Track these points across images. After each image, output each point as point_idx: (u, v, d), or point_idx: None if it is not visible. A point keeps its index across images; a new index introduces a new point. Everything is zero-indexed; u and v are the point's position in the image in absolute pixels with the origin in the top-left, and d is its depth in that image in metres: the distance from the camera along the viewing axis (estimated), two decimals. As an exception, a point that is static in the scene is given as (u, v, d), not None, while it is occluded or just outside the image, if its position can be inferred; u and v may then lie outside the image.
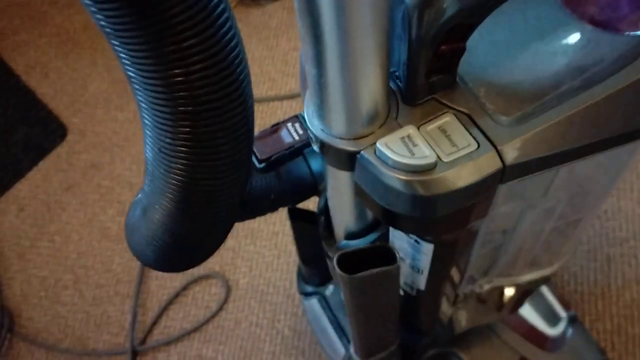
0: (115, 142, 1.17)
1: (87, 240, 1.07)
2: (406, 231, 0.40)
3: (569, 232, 0.50)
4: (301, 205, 0.57)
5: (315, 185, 0.50)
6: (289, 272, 0.97)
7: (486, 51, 0.37)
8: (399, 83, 0.35)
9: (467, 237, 0.43)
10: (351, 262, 0.41)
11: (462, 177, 0.33)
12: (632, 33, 0.35)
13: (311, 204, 0.54)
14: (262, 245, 1.00)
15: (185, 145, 0.27)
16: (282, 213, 1.03)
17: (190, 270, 0.99)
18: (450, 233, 0.40)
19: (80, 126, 1.20)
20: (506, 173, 0.34)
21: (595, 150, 0.35)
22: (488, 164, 0.33)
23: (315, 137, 0.36)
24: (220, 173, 0.30)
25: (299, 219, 0.58)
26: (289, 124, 0.48)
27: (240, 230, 1.02)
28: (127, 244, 0.38)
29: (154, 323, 0.97)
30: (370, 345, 0.55)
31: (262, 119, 1.10)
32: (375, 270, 0.39)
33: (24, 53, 1.32)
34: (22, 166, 1.16)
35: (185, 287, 0.99)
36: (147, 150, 0.29)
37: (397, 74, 0.35)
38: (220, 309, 0.96)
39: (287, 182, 0.48)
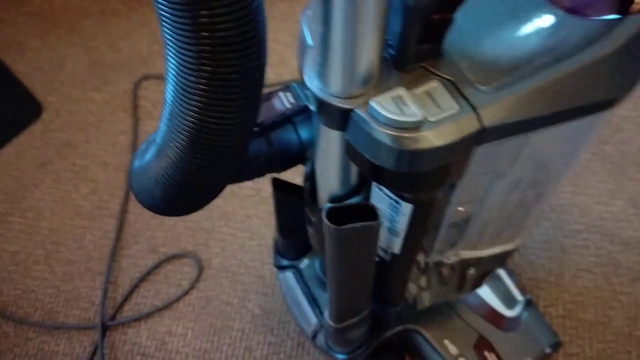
0: (90, 122, 1.18)
1: (59, 217, 1.07)
2: (390, 187, 0.44)
3: (531, 206, 0.54)
4: (284, 177, 0.60)
5: (302, 153, 0.53)
6: (260, 253, 0.99)
7: (470, 28, 0.41)
8: (392, 51, 0.39)
9: (443, 201, 0.47)
10: (337, 218, 0.45)
11: (445, 135, 0.37)
12: (595, 18, 0.40)
13: (295, 177, 0.57)
14: (236, 227, 1.03)
15: (204, 83, 0.30)
16: (257, 198, 1.06)
17: (163, 249, 1.01)
18: (428, 192, 0.44)
19: (56, 105, 1.20)
20: (483, 135, 0.38)
21: (561, 119, 0.40)
22: (468, 125, 0.37)
23: (314, 95, 0.39)
24: (231, 114, 0.33)
25: (282, 189, 0.61)
26: (281, 93, 0.52)
27: (215, 212, 1.04)
28: (131, 189, 0.41)
29: (125, 300, 0.98)
30: (345, 309, 0.58)
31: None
32: (359, 224, 0.43)
33: (1, 31, 1.31)
34: (-6, 142, 1.16)
35: (157, 266, 1.00)
36: (168, 92, 0.32)
37: (390, 42, 0.39)
38: (192, 287, 0.98)
39: (276, 147, 0.52)
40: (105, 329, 0.95)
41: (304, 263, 0.73)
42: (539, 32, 0.41)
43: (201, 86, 0.30)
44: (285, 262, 0.75)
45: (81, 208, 1.08)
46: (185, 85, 0.31)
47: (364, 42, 0.35)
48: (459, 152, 0.39)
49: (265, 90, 0.52)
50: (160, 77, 1.23)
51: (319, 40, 0.35)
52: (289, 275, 0.74)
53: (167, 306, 0.96)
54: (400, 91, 0.38)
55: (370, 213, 0.45)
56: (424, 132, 0.37)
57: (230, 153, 0.36)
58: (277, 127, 0.51)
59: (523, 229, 0.60)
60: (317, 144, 0.46)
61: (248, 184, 1.04)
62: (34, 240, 1.05)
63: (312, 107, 0.40)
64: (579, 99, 0.39)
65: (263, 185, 1.07)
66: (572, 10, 0.41)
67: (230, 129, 0.33)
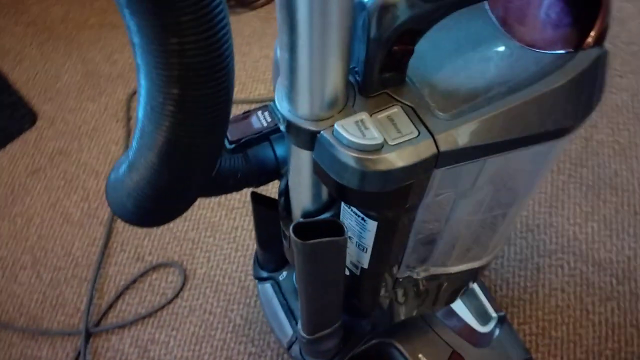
0: (84, 131, 1.20)
1: (48, 224, 1.09)
2: (354, 205, 0.46)
3: (496, 226, 0.57)
4: (263, 192, 0.62)
5: (278, 169, 0.55)
6: (245, 265, 1.01)
7: (432, 57, 0.44)
8: (357, 77, 0.42)
9: (407, 219, 0.49)
10: (306, 233, 0.47)
11: (404, 158, 0.39)
12: (550, 52, 0.42)
13: (272, 192, 0.60)
14: (222, 238, 1.05)
15: (173, 105, 0.33)
16: (243, 210, 1.08)
17: (149, 258, 1.03)
18: (390, 210, 0.46)
19: (50, 114, 1.23)
20: (440, 158, 0.40)
21: (516, 146, 0.42)
22: (426, 149, 0.40)
23: (283, 117, 0.42)
24: (200, 133, 0.35)
25: (260, 202, 0.63)
26: (259, 112, 0.54)
27: (201, 222, 1.06)
28: (107, 200, 0.43)
29: (110, 307, 1.00)
30: (317, 321, 0.60)
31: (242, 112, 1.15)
32: (325, 239, 0.46)
33: (-1, 38, 1.34)
34: (-13, 148, 1.18)
35: (142, 274, 1.02)
36: (140, 110, 0.34)
37: (356, 69, 0.42)
38: (176, 296, 0.99)
39: (253, 163, 0.54)
40: (89, 335, 0.97)
41: (282, 275, 0.75)
42: (497, 63, 0.43)
43: (170, 107, 0.33)
44: (264, 274, 0.77)
45: (71, 215, 1.10)
46: (155, 106, 0.33)
47: (329, 69, 0.38)
48: (418, 174, 0.41)
49: (247, 108, 0.54)
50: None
51: (286, 66, 0.38)
52: (268, 286, 0.76)
53: (151, 314, 0.98)
54: (364, 116, 0.40)
55: (337, 229, 0.47)
56: (384, 155, 0.39)
57: (199, 170, 0.38)
58: (253, 144, 0.53)
59: (491, 248, 0.62)
60: (289, 161, 0.48)
61: (235, 195, 1.06)
62: (22, 245, 1.07)
63: (282, 128, 0.43)
64: (532, 127, 0.42)
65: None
66: (530, 44, 0.44)
67: (198, 149, 0.36)
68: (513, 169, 0.48)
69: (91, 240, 1.07)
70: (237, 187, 0.55)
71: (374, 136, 0.39)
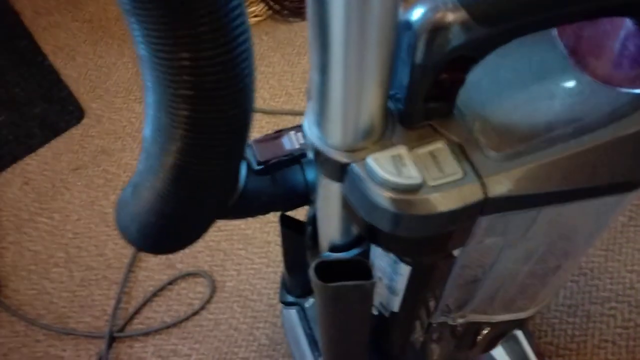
0: (128, 131, 1.19)
1: (85, 222, 1.08)
2: (385, 249, 0.41)
3: (547, 278, 0.50)
4: (294, 215, 0.58)
5: (307, 195, 0.51)
6: (275, 282, 0.97)
7: (488, 87, 0.39)
8: (399, 105, 0.37)
9: (445, 264, 0.44)
10: (330, 272, 0.42)
11: (444, 202, 0.34)
12: (628, 90, 0.36)
13: (303, 215, 0.55)
14: (254, 251, 1.01)
15: (183, 128, 0.29)
16: (278, 224, 1.04)
17: (179, 266, 1.01)
18: (427, 257, 0.41)
19: (97, 111, 1.23)
20: (487, 205, 0.35)
21: (577, 198, 0.36)
22: (471, 193, 0.34)
23: (311, 144, 0.37)
24: (213, 160, 0.31)
25: (289, 226, 0.59)
26: (292, 132, 0.50)
27: (235, 233, 1.03)
28: (115, 219, 0.40)
29: (136, 312, 0.98)
30: (339, 361, 0.55)
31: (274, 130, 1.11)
32: (349, 283, 0.41)
33: (55, 34, 1.35)
34: (34, 141, 1.19)
35: (171, 282, 1.00)
36: (147, 129, 0.31)
37: (397, 96, 0.37)
38: (203, 307, 0.96)
39: (281, 187, 0.50)
40: (112, 340, 0.95)
41: (309, 302, 0.71)
42: (564, 99, 0.38)
43: (178, 130, 0.29)
44: (290, 299, 0.73)
45: (108, 215, 1.09)
46: (161, 127, 0.29)
47: (365, 95, 0.33)
48: (460, 220, 0.36)
49: (292, 120, 0.49)
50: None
51: (317, 89, 0.33)
52: (293, 312, 0.71)
53: (176, 324, 0.95)
54: (402, 150, 0.35)
55: (364, 271, 0.42)
56: (421, 197, 0.34)
57: (211, 199, 0.34)
58: (283, 167, 0.49)
59: (538, 300, 0.56)
60: (317, 190, 0.44)
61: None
62: (57, 242, 1.06)
63: (310, 155, 0.38)
64: (600, 177, 0.36)
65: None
66: (603, 78, 0.38)
67: (210, 176, 0.32)
68: (571, 221, 0.42)
69: (124, 243, 1.05)
70: (263, 211, 0.51)
71: (411, 174, 0.34)
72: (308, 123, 0.37)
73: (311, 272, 0.40)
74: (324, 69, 0.32)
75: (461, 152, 0.36)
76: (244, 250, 1.01)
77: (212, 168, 0.32)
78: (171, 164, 0.30)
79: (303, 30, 1.28)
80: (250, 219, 1.04)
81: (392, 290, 0.47)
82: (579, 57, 0.39)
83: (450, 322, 0.55)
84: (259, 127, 1.15)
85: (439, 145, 0.36)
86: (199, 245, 1.03)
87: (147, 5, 0.24)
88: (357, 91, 0.32)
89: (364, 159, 0.35)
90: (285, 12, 1.27)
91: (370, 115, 0.34)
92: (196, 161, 0.31)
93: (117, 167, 1.14)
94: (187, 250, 1.02)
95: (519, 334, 0.78)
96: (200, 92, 0.28)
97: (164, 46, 0.26)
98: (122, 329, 0.96)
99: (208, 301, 0.97)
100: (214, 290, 0.98)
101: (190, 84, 0.27)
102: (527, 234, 0.41)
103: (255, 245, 1.02)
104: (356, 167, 0.35)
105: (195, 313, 0.96)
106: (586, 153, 0.35)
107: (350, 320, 0.45)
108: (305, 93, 1.18)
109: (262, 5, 1.27)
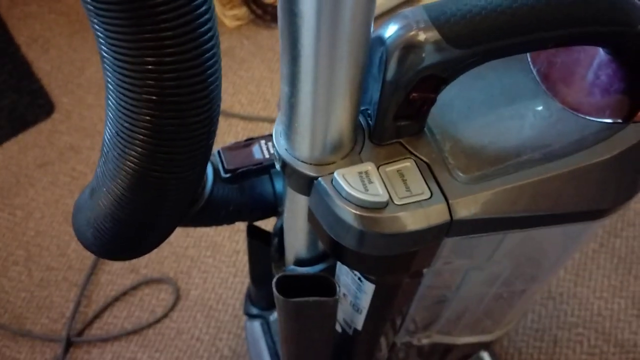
0: (99, 129, 1.17)
1: (48, 221, 1.05)
2: (349, 266, 0.40)
3: (512, 301, 0.50)
4: (263, 226, 0.57)
5: (275, 206, 0.50)
6: (241, 292, 0.96)
7: (460, 107, 0.38)
8: (369, 121, 0.36)
9: (410, 285, 0.43)
10: (293, 287, 0.41)
11: (410, 222, 0.34)
12: (596, 119, 0.36)
13: (270, 225, 0.54)
14: (222, 260, 0.99)
15: (144, 133, 0.28)
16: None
17: (143, 271, 0.99)
18: (391, 275, 0.40)
19: (68, 107, 1.20)
20: (453, 227, 0.34)
21: (543, 224, 0.36)
22: (437, 214, 0.34)
23: (279, 155, 0.36)
24: (174, 168, 0.30)
25: (256, 237, 0.58)
26: (263, 141, 0.49)
27: (203, 240, 1.01)
28: (72, 223, 0.38)
29: (96, 317, 0.95)
30: (299, 377, 0.54)
31: (249, 136, 1.10)
32: (311, 299, 0.40)
33: (30, 25, 1.32)
34: (1, 133, 1.15)
35: (134, 287, 0.97)
36: (106, 132, 0.30)
37: (369, 111, 0.36)
38: (165, 315, 0.94)
39: (248, 196, 0.49)
40: (69, 344, 0.92)
41: (273, 315, 0.69)
42: (534, 124, 0.37)
43: (139, 135, 0.28)
44: (255, 311, 0.71)
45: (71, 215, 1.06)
46: (121, 131, 0.28)
47: (334, 109, 0.32)
48: (425, 241, 0.35)
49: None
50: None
51: (285, 101, 0.33)
52: (256, 325, 0.70)
53: (136, 331, 0.93)
54: (369, 167, 0.34)
55: (328, 287, 0.41)
56: (387, 215, 0.33)
57: (170, 206, 0.33)
58: (251, 176, 0.48)
59: (504, 322, 0.55)
60: (284, 203, 0.43)
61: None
62: (18, 239, 1.03)
63: (277, 166, 0.38)
64: (565, 204, 0.36)
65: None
66: (574, 108, 0.37)
67: (170, 184, 0.31)
68: (538, 246, 0.41)
69: (88, 244, 1.02)
70: (229, 220, 0.50)
71: (377, 192, 0.33)
72: (276, 134, 0.36)
73: (273, 287, 0.39)
74: (293, 81, 0.31)
75: (429, 172, 0.35)
76: (212, 258, 1.00)
77: (172, 175, 0.30)
78: (131, 170, 0.29)
79: (283, 39, 1.27)
80: (219, 227, 1.03)
81: (356, 308, 0.46)
82: (550, 83, 0.39)
83: (416, 342, 0.55)
84: (235, 133, 1.14)
85: (407, 164, 0.35)
86: (165, 250, 1.01)
87: (112, 7, 0.23)
88: (326, 105, 0.32)
89: (331, 173, 0.34)
90: (268, 17, 1.26)
91: (339, 130, 0.34)
92: (156, 168, 0.29)
93: (85, 166, 1.12)
94: (152, 255, 1.00)
95: (485, 355, 0.77)
96: (163, 97, 0.27)
97: (128, 49, 0.25)
98: (80, 334, 0.93)
99: (171, 309, 0.95)
100: (177, 298, 0.96)
101: (153, 89, 0.26)
102: (493, 257, 0.41)
103: (224, 253, 1.00)
104: (323, 182, 0.35)
105: (157, 321, 0.94)
106: (552, 180, 0.35)
107: (312, 337, 0.44)
108: (282, 101, 1.18)
109: (244, 8, 1.26)
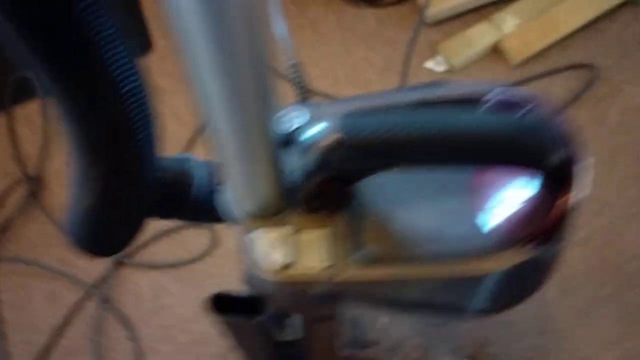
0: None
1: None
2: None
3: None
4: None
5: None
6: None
7: (391, 188, 0.43)
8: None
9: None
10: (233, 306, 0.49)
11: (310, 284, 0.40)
12: (491, 232, 0.40)
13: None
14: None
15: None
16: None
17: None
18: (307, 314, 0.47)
19: (164, 50, 1.31)
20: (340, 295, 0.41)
21: (415, 309, 0.41)
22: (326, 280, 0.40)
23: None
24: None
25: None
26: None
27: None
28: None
29: (144, 245, 1.09)
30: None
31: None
32: (239, 317, 0.47)
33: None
34: None
35: (180, 227, 1.09)
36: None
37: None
38: (200, 259, 1.06)
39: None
40: (119, 263, 1.07)
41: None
42: (447, 225, 0.41)
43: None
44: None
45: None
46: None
47: (253, 181, 0.38)
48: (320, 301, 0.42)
49: None
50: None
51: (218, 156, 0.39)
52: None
53: (174, 265, 1.06)
54: (285, 231, 0.41)
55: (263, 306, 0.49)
56: (288, 274, 0.40)
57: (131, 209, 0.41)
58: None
59: None
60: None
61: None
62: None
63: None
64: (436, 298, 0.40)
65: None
66: (478, 214, 0.41)
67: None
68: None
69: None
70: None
71: (281, 256, 0.40)
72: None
73: (207, 303, 0.48)
74: (219, 148, 0.37)
75: (341, 243, 0.41)
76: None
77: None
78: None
79: (367, 18, 1.29)
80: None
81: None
82: (477, 185, 0.42)
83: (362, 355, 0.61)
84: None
85: (321, 233, 0.41)
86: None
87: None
88: (245, 177, 0.38)
89: (253, 227, 0.41)
90: (358, -4, 1.28)
91: (260, 197, 0.40)
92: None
93: (168, 108, 1.24)
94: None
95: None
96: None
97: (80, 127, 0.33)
98: (129, 256, 1.08)
99: (207, 253, 1.06)
100: (214, 244, 1.07)
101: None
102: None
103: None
104: (247, 235, 0.42)
105: (193, 261, 1.06)
106: (431, 276, 0.40)
107: (253, 351, 0.52)
108: (352, 83, 1.22)
109: (337, -17, 1.28)
